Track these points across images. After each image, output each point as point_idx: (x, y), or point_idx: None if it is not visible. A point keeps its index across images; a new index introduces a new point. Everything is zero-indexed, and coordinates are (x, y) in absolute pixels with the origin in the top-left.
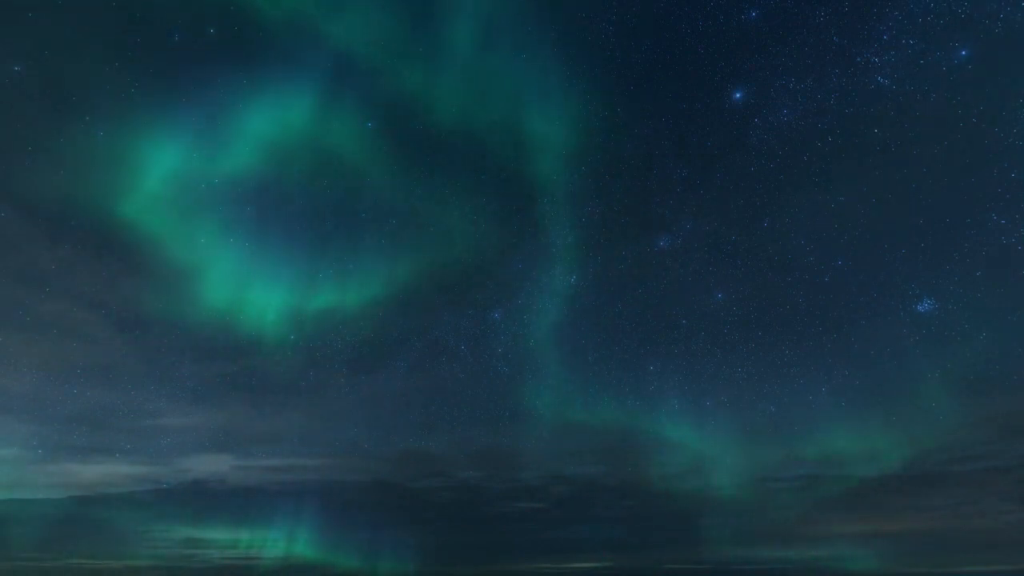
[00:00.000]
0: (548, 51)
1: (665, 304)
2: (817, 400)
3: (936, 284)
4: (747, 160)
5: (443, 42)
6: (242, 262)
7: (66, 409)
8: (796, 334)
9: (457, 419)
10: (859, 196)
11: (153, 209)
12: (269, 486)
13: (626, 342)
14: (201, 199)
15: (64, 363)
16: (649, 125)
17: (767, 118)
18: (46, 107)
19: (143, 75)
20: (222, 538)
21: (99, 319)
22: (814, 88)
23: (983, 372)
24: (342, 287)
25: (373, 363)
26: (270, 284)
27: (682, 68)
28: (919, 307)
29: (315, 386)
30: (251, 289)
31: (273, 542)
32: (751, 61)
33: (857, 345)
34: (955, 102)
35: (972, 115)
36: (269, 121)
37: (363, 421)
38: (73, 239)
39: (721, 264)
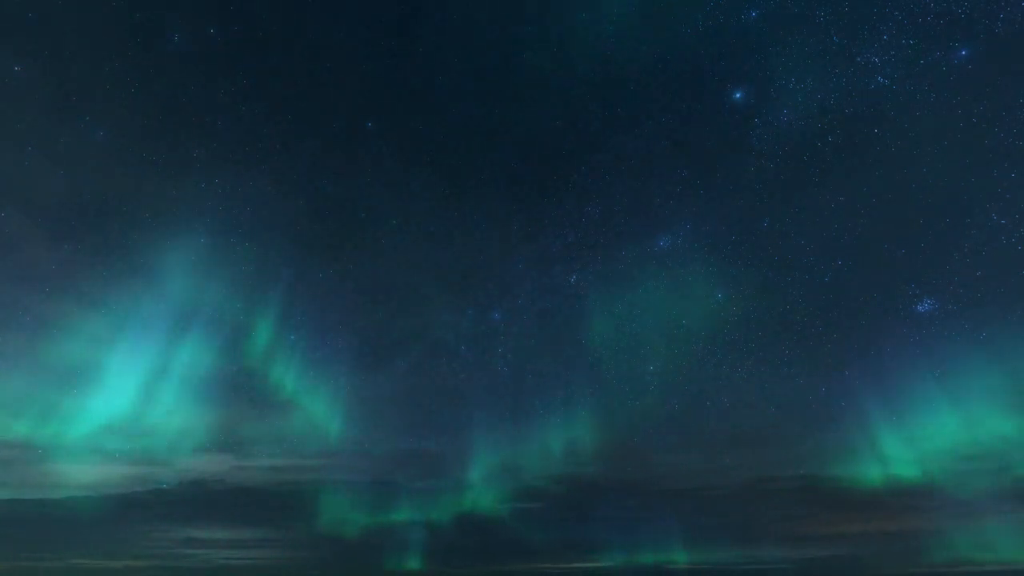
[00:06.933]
0: (548, 51)
1: (665, 304)
2: (817, 400)
3: (936, 284)
4: (747, 160)
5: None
6: (242, 262)
7: (66, 409)
8: (796, 334)
9: (457, 419)
10: (859, 196)
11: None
12: (269, 486)
13: (626, 342)
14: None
15: (64, 363)
16: (649, 125)
17: (767, 118)
18: (46, 107)
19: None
20: (222, 538)
21: (99, 319)
22: (814, 88)
23: (983, 372)
24: (341, 288)
25: (373, 363)
26: (270, 285)
27: (682, 68)
28: (919, 307)
29: (315, 386)
30: (251, 289)
31: (273, 542)
32: (751, 61)
33: (857, 345)
34: (955, 102)
35: (972, 115)
36: None
37: (363, 421)
38: (73, 239)
39: (721, 264)
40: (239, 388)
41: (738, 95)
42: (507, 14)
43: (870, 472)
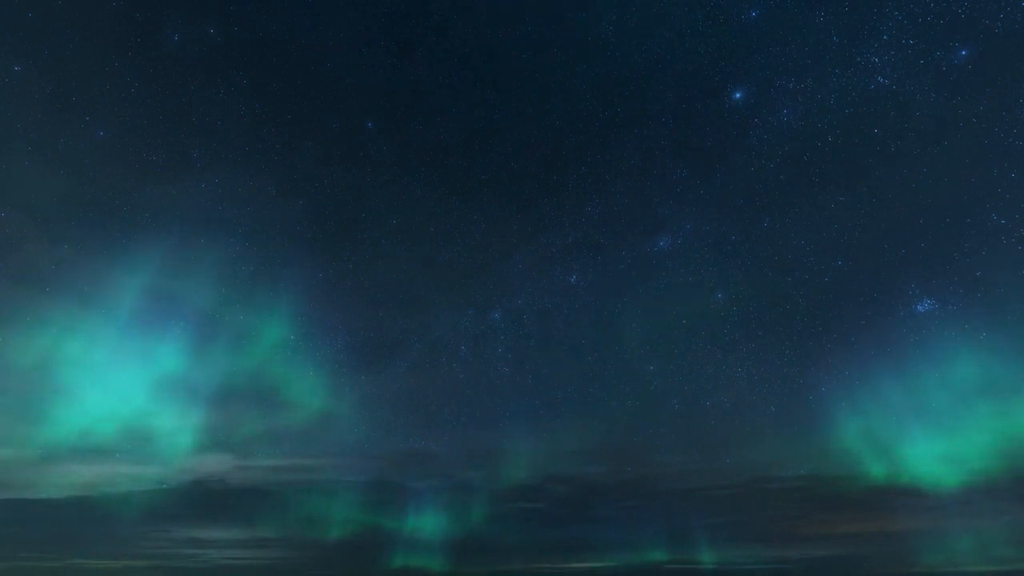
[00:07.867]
0: (548, 51)
1: (665, 304)
2: (817, 400)
3: (936, 284)
4: (747, 160)
5: (443, 41)
6: (242, 262)
7: (66, 409)
8: (796, 334)
9: (457, 419)
10: (859, 196)
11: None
12: (269, 486)
13: (626, 342)
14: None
15: (63, 363)
16: (649, 125)
17: (767, 118)
18: (46, 107)
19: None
20: (222, 538)
21: (99, 319)
22: (814, 88)
23: (983, 372)
24: (341, 288)
25: (373, 363)
26: (270, 285)
27: (682, 68)
28: (919, 307)
29: (315, 386)
30: (251, 289)
31: (274, 542)
32: (751, 61)
33: (857, 345)
34: (955, 102)
35: (972, 115)
36: None
37: (363, 421)
38: (73, 239)
39: (721, 264)
40: (239, 388)
41: (738, 95)
42: (507, 14)
43: (870, 472)
